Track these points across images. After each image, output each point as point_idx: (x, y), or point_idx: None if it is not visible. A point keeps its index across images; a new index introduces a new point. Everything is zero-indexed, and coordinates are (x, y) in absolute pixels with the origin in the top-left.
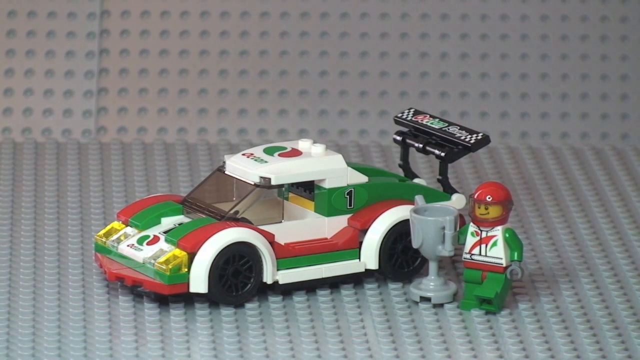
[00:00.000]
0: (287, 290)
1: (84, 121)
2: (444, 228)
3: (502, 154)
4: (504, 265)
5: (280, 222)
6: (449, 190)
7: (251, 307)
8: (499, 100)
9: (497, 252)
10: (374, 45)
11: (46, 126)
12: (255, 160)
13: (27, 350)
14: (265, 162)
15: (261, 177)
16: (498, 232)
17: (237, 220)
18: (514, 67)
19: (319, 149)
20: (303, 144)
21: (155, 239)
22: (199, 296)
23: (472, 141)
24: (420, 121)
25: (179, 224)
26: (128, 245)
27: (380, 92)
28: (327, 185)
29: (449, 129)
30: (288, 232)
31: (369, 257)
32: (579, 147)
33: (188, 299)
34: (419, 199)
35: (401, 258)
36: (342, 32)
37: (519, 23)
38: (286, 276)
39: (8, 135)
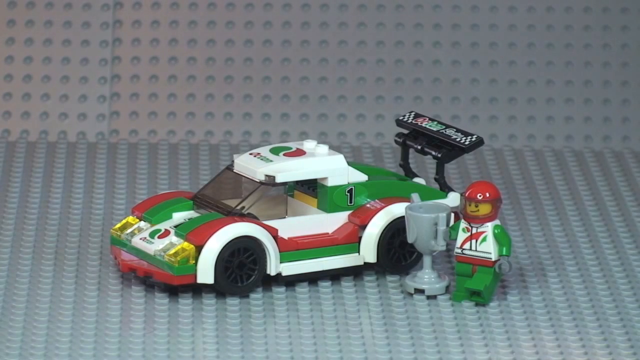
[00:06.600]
0: (290, 282)
1: (98, 124)
2: (437, 224)
3: (506, 156)
4: (493, 259)
5: (284, 217)
6: (445, 189)
7: (255, 297)
8: (507, 104)
9: (486, 247)
10: (371, 53)
11: (62, 129)
12: (262, 159)
13: (42, 329)
14: (271, 161)
15: (266, 175)
16: (487, 228)
17: (243, 215)
18: (522, 74)
19: (322, 149)
20: (308, 145)
21: (166, 233)
22: (206, 287)
23: (466, 143)
24: (419, 124)
25: (189, 219)
26: (141, 239)
27: (376, 97)
28: (329, 183)
29: (445, 131)
30: (291, 227)
31: (368, 251)
32: (579, 150)
33: (196, 290)
34: (415, 196)
35: (398, 252)
36: (340, 40)
37: (525, 32)
38: (289, 268)
39: (29, 138)
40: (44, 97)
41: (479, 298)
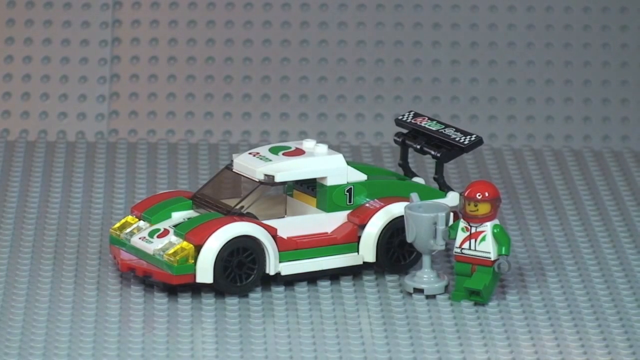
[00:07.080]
0: (289, 282)
1: (97, 124)
2: (436, 223)
3: (505, 156)
4: (492, 259)
5: (284, 217)
6: (444, 189)
7: (255, 296)
8: (506, 104)
9: (485, 247)
10: (370, 53)
11: (61, 128)
12: (261, 158)
13: (42, 329)
14: (270, 160)
15: (265, 175)
16: (487, 227)
17: (242, 215)
18: (521, 74)
19: (321, 148)
20: (307, 144)
21: (165, 232)
22: (205, 286)
23: (465, 142)
24: (419, 123)
25: (188, 218)
26: (140, 238)
27: (375, 97)
28: (328, 182)
29: (445, 131)
30: (291, 226)
31: (367, 250)
32: (578, 150)
33: (195, 289)
34: (414, 196)
35: (397, 252)
36: (340, 39)
37: (525, 31)
38: (288, 268)
39: (29, 137)
40: (43, 97)
41: (478, 297)
